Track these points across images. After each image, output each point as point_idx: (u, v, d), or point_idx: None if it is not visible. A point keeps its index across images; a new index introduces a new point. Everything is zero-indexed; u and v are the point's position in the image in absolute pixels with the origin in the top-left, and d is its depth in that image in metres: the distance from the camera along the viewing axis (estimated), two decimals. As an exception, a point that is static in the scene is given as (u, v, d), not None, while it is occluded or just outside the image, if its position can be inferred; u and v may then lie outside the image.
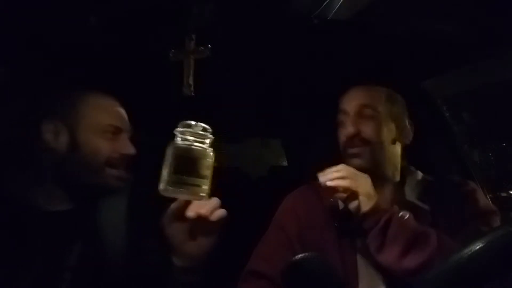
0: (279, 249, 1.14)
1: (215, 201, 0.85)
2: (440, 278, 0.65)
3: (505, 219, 1.25)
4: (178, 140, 0.83)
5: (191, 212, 0.83)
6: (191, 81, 1.04)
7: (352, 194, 1.02)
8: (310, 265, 0.80)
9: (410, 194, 1.16)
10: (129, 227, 1.06)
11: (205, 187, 0.84)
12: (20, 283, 0.89)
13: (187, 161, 0.82)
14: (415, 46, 1.28)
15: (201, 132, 0.84)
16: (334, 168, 1.05)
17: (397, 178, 1.19)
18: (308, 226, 1.16)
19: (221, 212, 0.85)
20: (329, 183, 1.03)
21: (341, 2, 0.97)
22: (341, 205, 1.17)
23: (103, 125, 1.00)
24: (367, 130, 1.12)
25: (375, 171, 1.12)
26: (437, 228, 1.06)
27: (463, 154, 1.67)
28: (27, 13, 1.02)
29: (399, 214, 1.03)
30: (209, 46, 1.03)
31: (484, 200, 1.14)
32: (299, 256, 0.80)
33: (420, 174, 1.22)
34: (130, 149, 1.03)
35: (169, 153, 0.83)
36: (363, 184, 1.04)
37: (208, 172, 0.84)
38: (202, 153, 0.84)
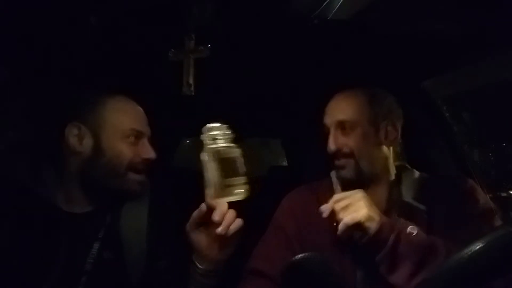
0: (278, 249, 1.14)
1: (232, 214, 0.87)
2: (440, 278, 0.65)
3: (505, 219, 1.24)
4: (211, 144, 0.84)
5: (219, 230, 0.86)
6: (191, 81, 1.04)
7: (355, 224, 0.97)
8: (310, 265, 0.80)
9: (406, 194, 1.15)
10: (148, 233, 1.06)
11: (249, 182, 0.86)
12: (38, 284, 0.90)
13: (230, 163, 0.84)
14: (415, 46, 1.28)
15: (227, 132, 0.85)
16: (329, 206, 1.01)
17: (391, 178, 1.18)
18: (306, 225, 1.16)
19: (236, 224, 0.88)
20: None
21: (341, 2, 0.97)
22: None
23: (126, 129, 1.01)
24: (348, 144, 1.14)
25: (363, 178, 1.14)
26: (433, 227, 1.06)
27: (463, 154, 1.67)
28: (25, 13, 1.02)
29: (406, 230, 0.99)
30: (209, 45, 1.03)
31: (483, 198, 1.13)
32: (299, 256, 0.80)
33: (416, 173, 1.21)
34: (151, 154, 1.04)
35: (209, 159, 0.83)
36: (362, 208, 0.98)
37: (246, 167, 0.86)
38: (238, 151, 0.85)
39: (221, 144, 0.84)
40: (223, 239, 0.89)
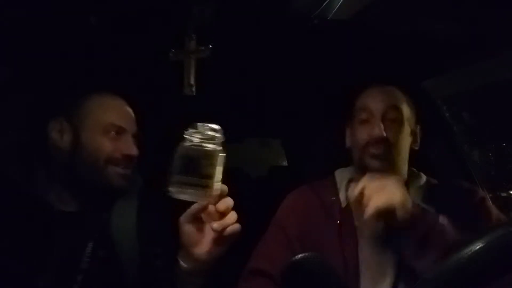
0: (279, 248, 1.14)
1: (232, 216, 0.84)
2: (440, 278, 0.65)
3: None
4: (185, 142, 0.84)
5: (215, 225, 0.82)
6: (192, 81, 1.04)
7: (387, 208, 0.90)
8: (310, 265, 0.80)
9: (415, 196, 1.14)
10: (140, 231, 1.06)
11: (210, 187, 0.82)
12: (34, 283, 0.90)
13: (189, 161, 0.82)
14: (415, 46, 1.28)
15: (208, 133, 0.84)
16: (360, 185, 0.93)
17: (405, 179, 1.18)
18: (308, 225, 1.16)
19: (234, 228, 0.83)
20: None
21: (341, 2, 0.97)
22: (342, 203, 1.17)
23: (105, 124, 1.01)
24: (392, 133, 1.11)
25: (391, 174, 1.11)
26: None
27: (463, 154, 1.67)
28: (26, 13, 1.02)
29: (438, 221, 0.96)
30: (210, 46, 1.03)
31: (496, 213, 1.13)
32: (299, 256, 0.80)
33: (423, 177, 1.21)
34: (132, 150, 1.03)
35: (177, 153, 0.83)
36: (397, 193, 0.91)
37: (215, 172, 0.82)
38: (205, 152, 0.84)
39: (192, 144, 0.83)
40: (214, 238, 0.85)
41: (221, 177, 0.83)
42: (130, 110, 1.07)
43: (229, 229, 0.82)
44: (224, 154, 0.84)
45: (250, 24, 1.15)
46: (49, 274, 0.91)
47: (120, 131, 1.02)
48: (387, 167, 1.10)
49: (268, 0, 1.03)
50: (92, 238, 1.00)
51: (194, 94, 1.05)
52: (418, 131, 1.19)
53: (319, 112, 1.99)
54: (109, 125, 1.01)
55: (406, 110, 1.15)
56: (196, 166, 0.82)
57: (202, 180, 0.82)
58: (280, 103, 2.06)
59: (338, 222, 1.13)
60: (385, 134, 1.10)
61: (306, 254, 0.81)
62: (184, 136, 0.84)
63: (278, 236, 1.18)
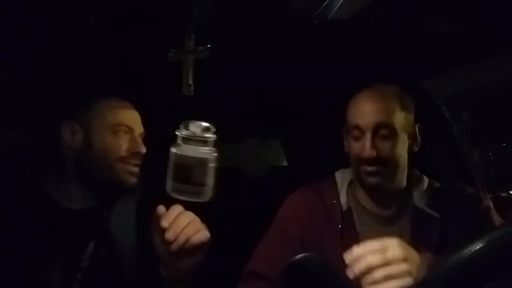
0: (279, 250, 1.14)
1: (183, 220, 0.83)
2: (440, 278, 0.65)
3: (505, 219, 1.24)
4: (179, 143, 0.83)
5: (170, 235, 0.81)
6: (190, 81, 1.04)
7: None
8: (310, 265, 0.80)
9: (418, 200, 1.14)
10: (141, 230, 1.07)
11: (206, 192, 0.82)
12: (34, 280, 0.92)
13: (185, 170, 0.82)
14: (415, 46, 1.28)
15: (201, 134, 0.83)
16: (359, 252, 0.79)
17: (404, 184, 1.17)
18: (309, 226, 1.16)
19: (197, 237, 0.82)
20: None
21: (341, 2, 0.97)
22: (343, 205, 1.17)
23: (113, 124, 1.07)
24: (385, 150, 1.07)
25: (389, 187, 1.12)
26: (447, 237, 1.06)
27: (463, 154, 1.67)
28: (26, 13, 1.02)
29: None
30: (209, 46, 1.03)
31: (499, 220, 1.13)
32: (299, 256, 0.80)
33: (426, 180, 1.20)
34: (140, 148, 1.09)
35: (170, 159, 0.83)
36: (406, 274, 0.76)
37: (208, 178, 0.82)
38: (201, 160, 0.83)
39: (186, 147, 0.82)
40: (183, 248, 0.82)
41: (213, 177, 0.83)
42: (135, 111, 1.13)
43: (195, 238, 0.82)
44: (216, 154, 0.83)
45: (250, 24, 1.15)
46: (50, 271, 0.93)
47: (128, 131, 1.08)
48: (383, 183, 1.10)
49: (268, 0, 1.03)
50: (94, 237, 1.03)
51: (193, 94, 1.05)
52: (417, 131, 1.16)
53: (319, 112, 1.99)
54: (117, 125, 1.07)
55: (400, 118, 1.09)
56: (189, 174, 0.82)
57: (196, 187, 0.82)
58: (280, 103, 2.06)
59: (340, 226, 1.13)
60: (375, 154, 1.06)
61: (306, 254, 0.81)
62: (178, 134, 0.83)
63: (278, 237, 1.17)
